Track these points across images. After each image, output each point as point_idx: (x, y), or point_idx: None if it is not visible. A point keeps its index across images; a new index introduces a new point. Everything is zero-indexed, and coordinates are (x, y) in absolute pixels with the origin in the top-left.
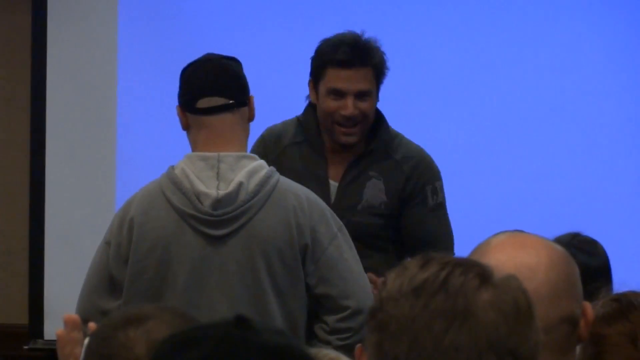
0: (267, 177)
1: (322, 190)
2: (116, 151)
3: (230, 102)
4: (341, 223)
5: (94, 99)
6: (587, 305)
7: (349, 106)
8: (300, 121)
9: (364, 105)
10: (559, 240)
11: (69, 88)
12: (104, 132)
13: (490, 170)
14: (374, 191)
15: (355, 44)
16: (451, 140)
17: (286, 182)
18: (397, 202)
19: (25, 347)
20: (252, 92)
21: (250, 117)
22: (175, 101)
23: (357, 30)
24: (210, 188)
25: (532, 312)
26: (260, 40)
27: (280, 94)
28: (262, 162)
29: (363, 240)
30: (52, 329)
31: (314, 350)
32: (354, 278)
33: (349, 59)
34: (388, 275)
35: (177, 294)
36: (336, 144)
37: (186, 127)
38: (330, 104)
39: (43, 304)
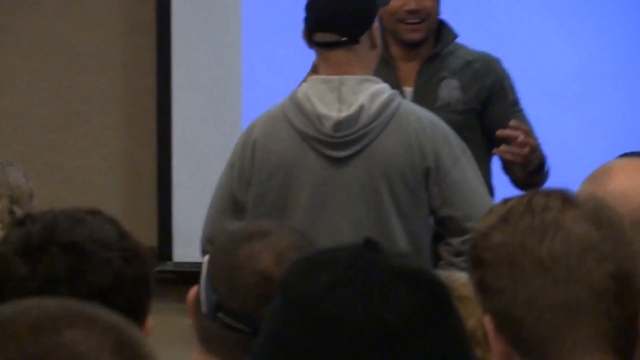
0: (389, 100)
1: None
2: (241, 75)
3: (343, 39)
4: (465, 146)
5: (218, 23)
6: None
7: (412, 1)
8: None
9: (427, 2)
10: None
11: (194, 13)
12: (229, 56)
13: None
14: (449, 89)
15: None
16: None
17: (409, 105)
18: (475, 99)
19: (155, 269)
20: None
21: (373, 46)
22: (298, 27)
23: None
24: (331, 110)
25: (623, 225)
26: None
27: None
28: (385, 85)
29: None
30: (181, 251)
31: (444, 274)
32: (477, 200)
33: None
34: (480, 220)
35: (299, 214)
36: (404, 47)
37: (311, 48)
38: (394, 2)
39: (172, 227)
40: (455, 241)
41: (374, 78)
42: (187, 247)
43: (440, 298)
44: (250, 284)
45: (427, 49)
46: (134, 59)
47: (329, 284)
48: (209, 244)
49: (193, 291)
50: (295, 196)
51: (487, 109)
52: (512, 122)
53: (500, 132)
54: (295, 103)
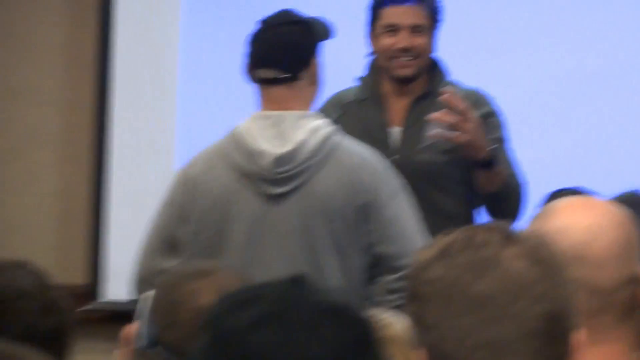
0: (329, 136)
1: (384, 135)
2: (176, 114)
3: (284, 76)
4: (402, 182)
5: (157, 63)
6: None
7: (404, 38)
8: (360, 79)
9: (418, 39)
10: (619, 199)
11: (134, 51)
12: (166, 95)
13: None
14: (437, 129)
15: None
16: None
17: (348, 141)
18: None
19: (85, 307)
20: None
21: (314, 82)
22: (235, 60)
23: None
24: (271, 146)
25: (561, 267)
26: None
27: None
28: (325, 120)
29: (428, 179)
30: (113, 289)
31: (370, 312)
32: (413, 237)
33: None
34: (416, 254)
35: (236, 251)
36: (396, 83)
37: (252, 84)
38: (386, 40)
39: (106, 265)
40: (390, 278)
41: (314, 114)
42: (122, 285)
43: (365, 335)
44: (189, 320)
45: (419, 87)
46: (72, 96)
47: (255, 320)
48: (142, 281)
49: (129, 327)
50: (232, 233)
51: None
52: (444, 96)
53: (433, 115)
54: (235, 139)
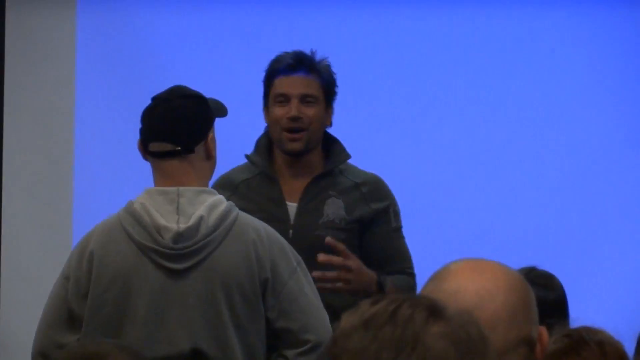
0: (227, 211)
1: (280, 211)
2: (73, 185)
3: (177, 148)
4: (300, 258)
5: (50, 133)
6: (543, 330)
7: (293, 108)
8: (249, 158)
9: (309, 110)
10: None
11: (26, 123)
12: (61, 167)
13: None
14: (334, 208)
15: (300, 54)
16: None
17: (246, 217)
18: (357, 224)
19: None
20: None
21: (209, 157)
22: (130, 136)
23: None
24: (170, 222)
25: (486, 344)
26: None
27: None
28: (222, 197)
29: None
30: None
31: None
32: (314, 312)
33: (293, 64)
34: (342, 316)
35: (137, 327)
36: (288, 157)
37: (146, 160)
38: (277, 111)
39: None
40: (291, 353)
41: (211, 190)
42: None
43: None
44: None
45: (315, 163)
46: None
47: None
48: (40, 356)
49: None
50: (133, 308)
51: (368, 231)
52: (328, 239)
53: (321, 257)
54: (132, 214)
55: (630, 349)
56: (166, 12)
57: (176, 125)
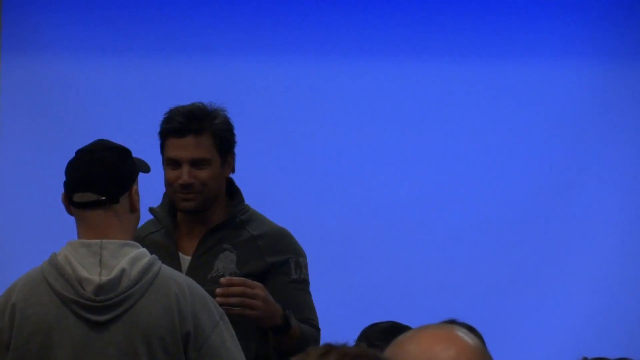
0: (150, 265)
1: (173, 264)
2: None
3: (102, 198)
4: (222, 311)
5: None
6: None
7: (184, 174)
8: (152, 212)
9: (201, 173)
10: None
11: None
12: None
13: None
14: (225, 262)
15: (190, 113)
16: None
17: (168, 270)
18: (251, 276)
19: None
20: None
21: (133, 209)
22: (54, 186)
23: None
24: (92, 274)
25: None
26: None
27: None
28: (145, 250)
29: None
30: None
31: None
32: None
33: (181, 127)
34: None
35: None
36: (184, 215)
37: (70, 213)
38: (170, 174)
39: None
40: None
41: (134, 243)
42: None
43: None
44: None
45: (216, 213)
46: None
47: None
48: None
49: None
50: None
51: (267, 283)
52: (222, 280)
53: (223, 280)
54: (54, 266)
55: None
56: (92, 62)
57: (100, 176)
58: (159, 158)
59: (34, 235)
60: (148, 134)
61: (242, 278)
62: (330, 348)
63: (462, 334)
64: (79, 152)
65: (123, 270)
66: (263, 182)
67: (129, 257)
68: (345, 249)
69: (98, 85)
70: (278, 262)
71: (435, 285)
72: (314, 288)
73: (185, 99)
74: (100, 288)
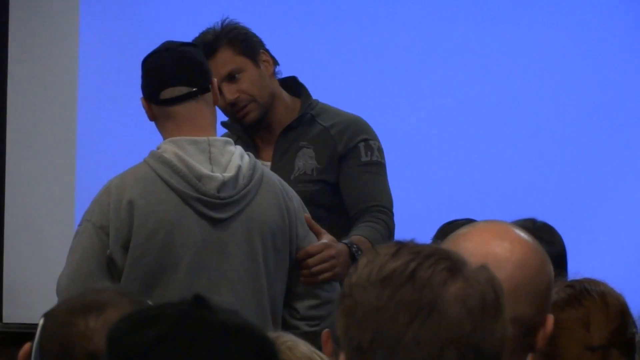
0: (255, 162)
1: None
2: (77, 140)
3: (194, 89)
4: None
5: (54, 90)
6: (550, 318)
7: (225, 93)
8: (225, 125)
9: (240, 85)
10: (516, 224)
11: (29, 78)
12: (64, 121)
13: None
14: (305, 159)
15: (204, 39)
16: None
17: (266, 168)
18: (329, 167)
19: None
20: None
21: (215, 101)
22: (134, 94)
23: None
24: (211, 171)
25: (500, 306)
26: None
27: None
28: (240, 147)
29: None
30: (10, 311)
31: (273, 334)
32: None
33: (204, 53)
34: (360, 259)
35: (180, 277)
36: (252, 126)
37: (153, 118)
38: (220, 101)
39: (1, 287)
40: (302, 306)
41: (231, 140)
42: (17, 308)
43: (267, 355)
44: None
45: (284, 117)
46: None
47: (156, 340)
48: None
49: (25, 349)
50: (176, 258)
51: (340, 173)
52: (301, 253)
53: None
54: (166, 163)
55: (629, 302)
56: None
57: (188, 67)
58: None
59: (114, 135)
60: None
61: (317, 244)
62: (400, 246)
63: (515, 228)
64: (155, 53)
65: (239, 168)
66: None
67: (237, 155)
68: (427, 150)
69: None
70: (349, 147)
71: (513, 188)
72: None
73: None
74: (224, 185)
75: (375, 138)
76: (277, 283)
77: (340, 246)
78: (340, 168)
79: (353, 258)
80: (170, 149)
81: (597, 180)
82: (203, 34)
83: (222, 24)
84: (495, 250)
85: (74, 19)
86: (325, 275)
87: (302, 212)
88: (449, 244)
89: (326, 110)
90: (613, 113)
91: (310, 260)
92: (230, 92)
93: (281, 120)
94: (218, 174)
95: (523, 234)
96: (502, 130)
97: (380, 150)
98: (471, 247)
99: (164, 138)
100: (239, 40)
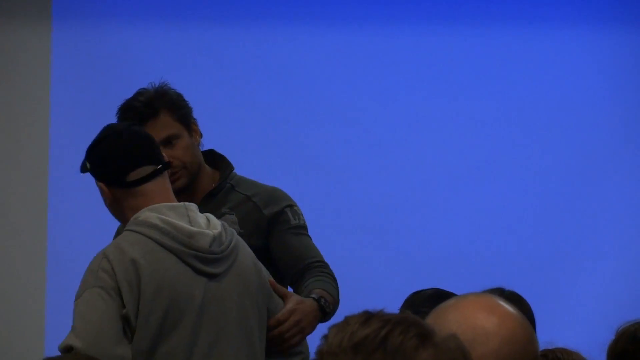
0: (226, 224)
1: None
2: (48, 209)
3: (158, 167)
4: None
5: (24, 145)
6: None
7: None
8: None
9: (175, 151)
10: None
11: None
12: (35, 193)
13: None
14: (228, 224)
15: (140, 103)
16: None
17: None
18: (258, 232)
19: None
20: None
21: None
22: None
23: None
24: (201, 229)
25: None
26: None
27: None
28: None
29: None
30: None
31: None
32: None
33: (140, 116)
34: (330, 329)
35: (185, 333)
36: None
37: (112, 202)
38: None
39: None
40: None
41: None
42: None
43: None
44: None
45: (207, 185)
46: None
47: None
48: None
49: None
50: (180, 315)
51: (271, 237)
52: (271, 322)
53: (272, 322)
54: (153, 227)
55: None
56: (140, 28)
57: (147, 147)
58: (208, 125)
59: (90, 205)
60: (201, 101)
61: (284, 312)
62: (370, 315)
63: (503, 302)
64: (105, 138)
65: (223, 225)
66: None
67: (211, 217)
68: (387, 217)
69: (148, 54)
70: (276, 212)
71: (482, 255)
72: (357, 253)
73: (237, 68)
74: (214, 240)
75: (296, 205)
76: (262, 341)
77: (308, 304)
78: (269, 233)
79: (323, 311)
80: (152, 215)
81: (564, 249)
82: (143, 94)
83: (160, 87)
84: (483, 323)
85: (45, 72)
86: (296, 339)
87: (267, 274)
88: (436, 315)
89: (245, 181)
90: (578, 178)
91: (282, 328)
92: (165, 155)
93: (204, 189)
94: (208, 230)
95: (511, 309)
96: (470, 196)
97: (302, 214)
98: (459, 319)
99: (132, 214)
100: (178, 107)
